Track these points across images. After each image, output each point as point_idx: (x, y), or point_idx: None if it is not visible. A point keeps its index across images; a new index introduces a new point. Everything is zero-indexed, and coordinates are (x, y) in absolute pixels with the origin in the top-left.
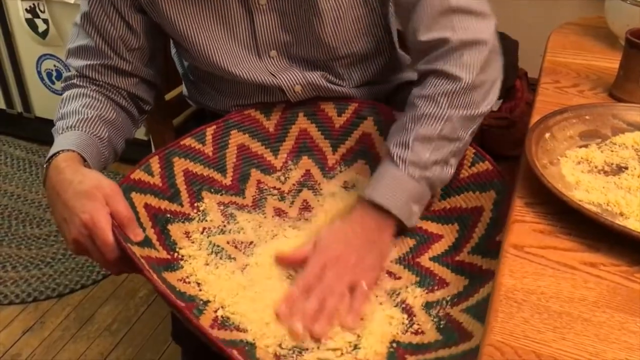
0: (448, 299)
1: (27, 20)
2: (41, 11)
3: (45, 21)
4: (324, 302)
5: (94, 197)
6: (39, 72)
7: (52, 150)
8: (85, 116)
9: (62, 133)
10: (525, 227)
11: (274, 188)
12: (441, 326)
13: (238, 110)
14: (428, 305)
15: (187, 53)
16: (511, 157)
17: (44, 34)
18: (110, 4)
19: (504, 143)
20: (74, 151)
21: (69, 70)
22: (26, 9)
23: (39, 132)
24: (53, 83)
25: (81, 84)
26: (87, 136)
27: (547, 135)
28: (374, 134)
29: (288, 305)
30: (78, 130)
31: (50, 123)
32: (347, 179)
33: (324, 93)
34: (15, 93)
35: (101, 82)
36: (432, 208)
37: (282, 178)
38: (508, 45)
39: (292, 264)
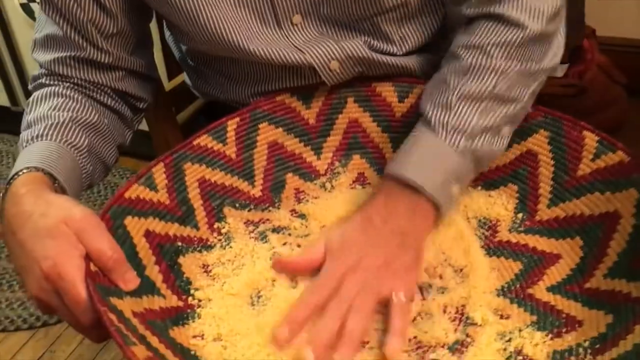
0: (586, 345)
1: (22, 5)
2: None
3: None
4: (344, 321)
5: (60, 234)
6: None
7: (12, 172)
8: (56, 120)
9: (26, 146)
10: None
11: (318, 199)
12: None
13: (267, 97)
14: (557, 357)
15: (184, 34)
16: None
17: None
18: None
19: (573, 115)
20: (38, 169)
21: (39, 68)
22: None
23: None
24: None
25: (51, 82)
26: (58, 146)
27: None
28: None
29: (291, 328)
30: (46, 139)
31: None
32: None
33: (371, 68)
34: (17, 85)
35: (75, 79)
36: (539, 218)
37: (328, 185)
38: None
39: (295, 273)
